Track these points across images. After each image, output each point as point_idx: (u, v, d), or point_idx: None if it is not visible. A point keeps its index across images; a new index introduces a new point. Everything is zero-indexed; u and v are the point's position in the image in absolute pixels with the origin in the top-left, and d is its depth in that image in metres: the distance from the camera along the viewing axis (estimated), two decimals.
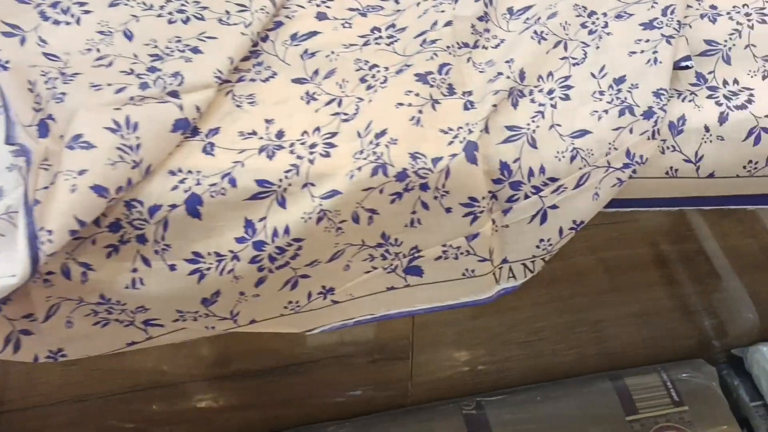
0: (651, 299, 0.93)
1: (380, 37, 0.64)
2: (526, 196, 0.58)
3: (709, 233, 0.85)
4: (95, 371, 0.74)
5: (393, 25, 0.65)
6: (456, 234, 0.58)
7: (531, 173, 0.58)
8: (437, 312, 0.63)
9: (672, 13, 0.62)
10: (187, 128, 0.55)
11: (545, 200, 0.58)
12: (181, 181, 0.53)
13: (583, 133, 0.59)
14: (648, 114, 0.58)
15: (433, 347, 0.89)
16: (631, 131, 0.58)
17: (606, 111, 0.59)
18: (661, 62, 0.60)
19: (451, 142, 0.57)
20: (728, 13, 0.66)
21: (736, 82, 0.63)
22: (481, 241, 0.58)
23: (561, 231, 0.59)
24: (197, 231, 0.53)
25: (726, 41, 0.64)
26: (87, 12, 0.59)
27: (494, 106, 0.59)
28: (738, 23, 0.65)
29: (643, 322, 0.96)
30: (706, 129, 0.60)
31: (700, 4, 0.67)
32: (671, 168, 0.61)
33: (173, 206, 0.52)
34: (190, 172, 0.54)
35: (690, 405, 0.96)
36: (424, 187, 0.55)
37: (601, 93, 0.60)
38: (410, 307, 0.63)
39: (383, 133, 0.57)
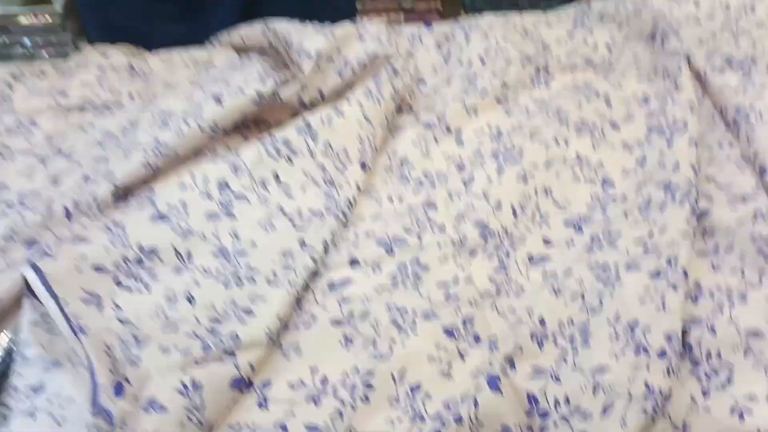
0: None
1: (407, 275, 0.73)
2: (556, 425, 0.61)
3: None
4: None
5: (417, 260, 0.74)
6: None
7: (557, 403, 0.62)
8: None
9: (676, 263, 0.70)
10: (243, 386, 0.62)
11: (574, 427, 0.61)
12: None
13: (604, 370, 0.64)
14: (662, 354, 0.63)
15: None
16: (648, 368, 0.62)
17: (624, 352, 0.65)
18: (669, 307, 0.66)
19: (477, 379, 0.63)
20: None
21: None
22: None
23: None
24: None
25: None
26: (156, 280, 0.69)
27: (516, 346, 0.66)
28: None
29: None
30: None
31: None
32: None
33: None
34: (248, 426, 0.60)
35: None
36: (457, 419, 0.60)
37: (617, 336, 0.66)
38: None
39: (418, 387, 0.64)
